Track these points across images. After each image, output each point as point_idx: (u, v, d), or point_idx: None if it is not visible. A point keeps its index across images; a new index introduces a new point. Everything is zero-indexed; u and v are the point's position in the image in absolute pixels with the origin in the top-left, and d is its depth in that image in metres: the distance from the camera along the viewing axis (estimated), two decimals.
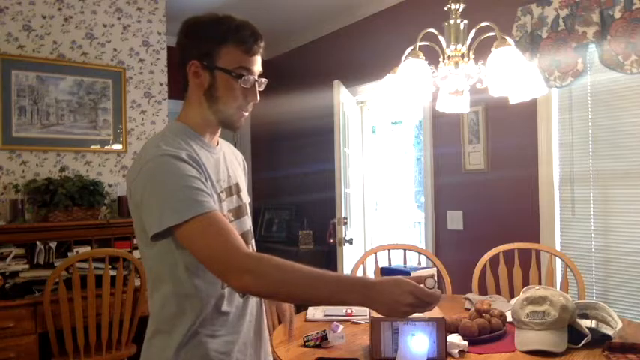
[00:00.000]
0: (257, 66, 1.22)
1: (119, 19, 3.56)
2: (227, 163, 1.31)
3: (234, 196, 1.29)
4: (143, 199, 1.10)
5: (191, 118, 1.24)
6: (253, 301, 1.29)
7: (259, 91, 1.25)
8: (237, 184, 1.32)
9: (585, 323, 1.69)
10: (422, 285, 1.02)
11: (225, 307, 1.19)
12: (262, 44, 1.22)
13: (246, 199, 1.36)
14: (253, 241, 1.39)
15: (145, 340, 1.23)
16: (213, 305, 1.17)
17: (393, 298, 1.01)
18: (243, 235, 1.28)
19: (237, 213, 1.29)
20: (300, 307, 2.29)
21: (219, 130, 1.29)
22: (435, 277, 1.06)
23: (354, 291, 1.03)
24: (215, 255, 1.05)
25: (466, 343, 1.65)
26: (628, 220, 2.58)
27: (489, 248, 2.65)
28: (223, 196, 1.23)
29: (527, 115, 2.94)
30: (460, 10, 1.85)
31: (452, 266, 2.91)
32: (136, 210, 1.14)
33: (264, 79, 1.25)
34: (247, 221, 1.33)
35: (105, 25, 3.50)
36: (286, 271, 1.04)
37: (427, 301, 1.02)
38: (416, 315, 1.56)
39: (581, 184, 2.77)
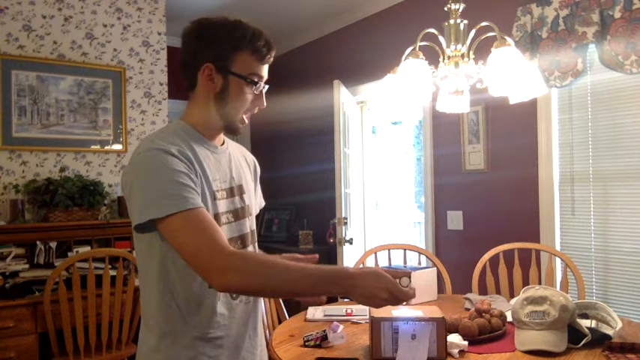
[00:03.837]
0: (266, 73, 1.26)
1: (119, 19, 3.56)
2: (232, 163, 1.31)
3: (236, 197, 1.29)
4: (131, 190, 1.11)
5: (195, 118, 1.25)
6: (245, 301, 1.27)
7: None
8: (240, 186, 1.31)
9: (585, 323, 1.69)
10: (398, 281, 1.06)
11: (215, 308, 1.18)
12: (274, 54, 1.26)
13: (250, 201, 1.34)
14: (256, 244, 1.37)
15: (139, 333, 1.24)
16: (201, 305, 1.17)
17: (371, 291, 1.04)
18: (242, 237, 1.28)
19: (237, 214, 1.28)
20: (300, 307, 2.29)
21: (222, 131, 1.30)
22: (411, 277, 1.09)
23: (336, 282, 1.05)
24: (198, 252, 1.04)
25: (466, 343, 1.65)
26: (628, 220, 2.58)
27: (489, 248, 2.65)
28: (219, 195, 1.22)
29: (527, 115, 2.94)
30: (460, 10, 1.85)
31: (452, 266, 2.91)
32: (127, 201, 1.15)
33: (267, 85, 1.29)
34: (247, 223, 1.32)
35: (105, 25, 3.50)
36: (270, 268, 1.05)
37: (400, 298, 1.05)
38: (416, 315, 1.57)
39: (581, 184, 2.77)
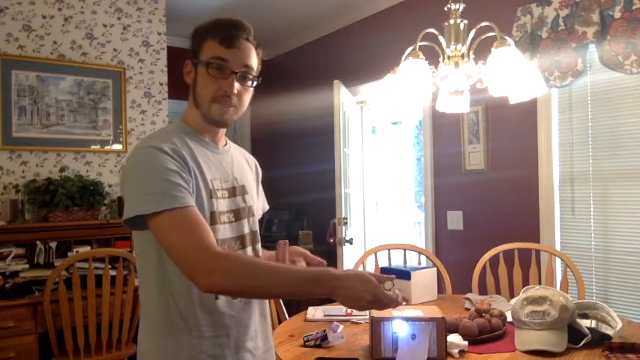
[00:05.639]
0: (239, 59, 1.20)
1: (119, 19, 3.56)
2: (234, 164, 1.32)
3: (238, 197, 1.29)
4: (125, 187, 1.13)
5: (190, 117, 1.26)
6: (246, 301, 1.26)
7: (253, 88, 1.25)
8: (243, 186, 1.31)
9: (585, 323, 1.69)
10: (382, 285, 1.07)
11: (215, 308, 1.18)
12: (246, 37, 1.21)
13: (252, 202, 1.34)
14: (259, 245, 1.38)
15: (139, 333, 1.24)
16: (200, 304, 1.16)
17: (356, 293, 1.04)
18: (241, 238, 1.28)
19: (238, 214, 1.28)
20: (300, 307, 2.29)
21: (221, 129, 1.29)
22: (394, 281, 1.11)
23: (321, 283, 1.05)
24: (184, 252, 1.04)
25: (466, 343, 1.65)
26: (628, 220, 2.58)
27: (489, 248, 2.65)
28: (220, 194, 1.22)
29: (527, 115, 2.94)
30: (460, 10, 1.85)
31: (452, 266, 2.91)
32: (123, 198, 1.16)
33: (250, 75, 1.22)
34: (248, 224, 1.32)
35: (105, 25, 3.50)
36: (256, 269, 1.05)
37: (384, 301, 1.06)
38: (416, 315, 1.57)
39: (581, 184, 2.77)
